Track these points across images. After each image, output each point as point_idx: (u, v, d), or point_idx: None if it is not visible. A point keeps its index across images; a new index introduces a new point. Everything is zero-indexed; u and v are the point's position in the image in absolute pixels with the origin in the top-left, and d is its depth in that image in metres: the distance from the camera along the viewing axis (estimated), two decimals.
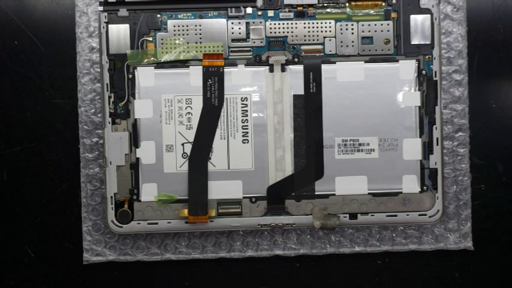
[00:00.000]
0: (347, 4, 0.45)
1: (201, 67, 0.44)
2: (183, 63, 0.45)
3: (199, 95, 0.44)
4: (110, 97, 0.44)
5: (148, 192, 0.44)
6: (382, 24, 0.45)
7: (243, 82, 0.45)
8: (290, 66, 0.45)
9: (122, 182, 0.44)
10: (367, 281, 0.47)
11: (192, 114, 0.44)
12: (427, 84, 0.45)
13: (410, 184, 0.45)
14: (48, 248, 0.47)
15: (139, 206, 0.44)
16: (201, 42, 0.45)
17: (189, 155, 0.44)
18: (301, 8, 0.45)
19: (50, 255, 0.47)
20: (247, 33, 0.45)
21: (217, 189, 0.44)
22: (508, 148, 0.47)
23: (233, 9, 0.45)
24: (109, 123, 0.44)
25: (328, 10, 0.45)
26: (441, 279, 0.47)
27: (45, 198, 0.47)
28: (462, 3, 0.46)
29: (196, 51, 0.45)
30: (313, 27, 0.45)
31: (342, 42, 0.45)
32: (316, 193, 0.45)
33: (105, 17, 0.44)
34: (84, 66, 0.46)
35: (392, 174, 0.45)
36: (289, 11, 0.45)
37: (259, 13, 0.45)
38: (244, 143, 0.45)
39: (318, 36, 0.45)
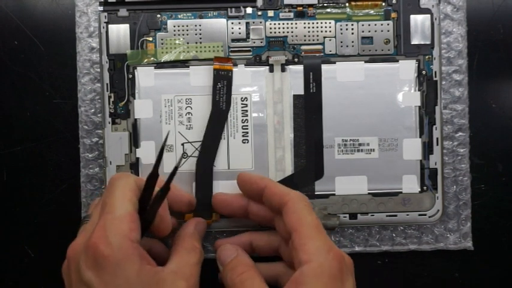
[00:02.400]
0: (347, 4, 0.45)
1: (202, 67, 0.44)
2: (183, 63, 0.45)
3: (199, 95, 0.44)
4: (110, 97, 0.44)
5: None
6: (382, 24, 0.45)
7: (243, 82, 0.45)
8: (290, 66, 0.45)
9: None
10: (367, 281, 0.47)
11: (192, 114, 0.44)
12: (427, 84, 0.45)
13: (410, 184, 0.45)
14: (48, 248, 0.47)
15: None
16: (201, 42, 0.45)
17: (197, 157, 0.44)
18: (301, 8, 0.45)
19: (50, 255, 0.47)
20: (247, 33, 0.45)
21: (217, 189, 0.44)
22: (508, 148, 0.47)
23: (233, 9, 0.45)
24: (109, 123, 0.44)
25: (328, 10, 0.45)
26: (441, 279, 0.47)
27: (45, 198, 0.47)
28: (462, 3, 0.46)
29: (196, 51, 0.45)
30: (313, 27, 0.45)
31: (342, 42, 0.45)
32: (316, 193, 0.45)
33: (105, 17, 0.44)
34: (84, 66, 0.46)
35: (392, 174, 0.45)
36: (289, 11, 0.45)
37: (259, 13, 0.45)
38: (244, 143, 0.45)
39: (318, 36, 0.45)
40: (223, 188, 0.44)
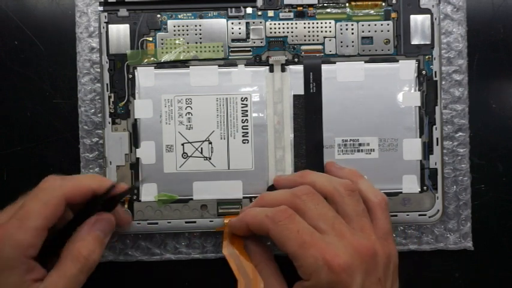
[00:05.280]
0: (347, 4, 0.45)
1: (202, 67, 0.44)
2: (183, 63, 0.45)
3: (199, 95, 0.44)
4: (110, 97, 0.44)
5: (148, 192, 0.44)
6: (382, 24, 0.45)
7: (243, 82, 0.45)
8: (290, 66, 0.45)
9: (122, 182, 0.44)
10: None
11: (192, 114, 0.44)
12: (427, 84, 0.45)
13: (410, 184, 0.45)
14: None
15: (139, 206, 0.44)
16: (201, 42, 0.45)
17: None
18: (301, 8, 0.45)
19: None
20: (247, 33, 0.45)
21: (217, 189, 0.44)
22: (508, 148, 0.47)
23: (233, 9, 0.45)
24: (109, 123, 0.44)
25: (328, 10, 0.45)
26: (441, 279, 0.47)
27: None
28: (462, 3, 0.46)
29: (196, 51, 0.45)
30: (313, 27, 0.45)
31: (342, 42, 0.45)
32: None
33: (105, 17, 0.44)
34: (84, 66, 0.46)
35: (392, 174, 0.45)
36: (289, 11, 0.45)
37: (259, 13, 0.45)
38: (244, 143, 0.45)
39: (318, 36, 0.45)
40: (223, 188, 0.44)
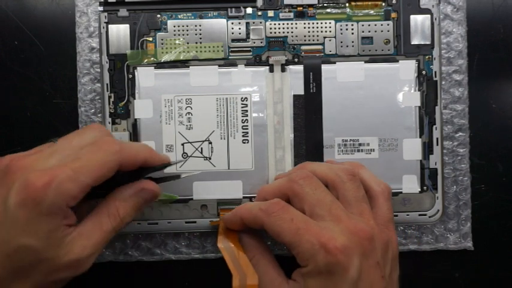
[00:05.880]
0: (347, 4, 0.45)
1: (202, 67, 0.44)
2: (183, 63, 0.45)
3: (199, 95, 0.44)
4: (110, 97, 0.45)
5: None
6: (382, 25, 0.45)
7: (243, 82, 0.45)
8: (290, 66, 0.45)
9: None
10: None
11: (192, 114, 0.44)
12: (427, 84, 0.45)
13: (410, 184, 0.45)
14: None
15: None
16: (201, 43, 0.45)
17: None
18: (301, 8, 0.45)
19: None
20: (247, 33, 0.45)
21: (217, 189, 0.44)
22: (508, 148, 0.47)
23: (233, 9, 0.45)
24: (109, 123, 0.44)
25: (328, 10, 0.45)
26: (441, 279, 0.47)
27: None
28: (462, 3, 0.46)
29: (196, 51, 0.45)
30: (313, 27, 0.45)
31: (342, 42, 0.45)
32: None
33: (105, 17, 0.44)
34: (84, 66, 0.46)
35: (392, 174, 0.45)
36: (289, 11, 0.45)
37: (259, 13, 0.45)
38: (244, 143, 0.45)
39: (318, 36, 0.45)
40: (223, 188, 0.44)
